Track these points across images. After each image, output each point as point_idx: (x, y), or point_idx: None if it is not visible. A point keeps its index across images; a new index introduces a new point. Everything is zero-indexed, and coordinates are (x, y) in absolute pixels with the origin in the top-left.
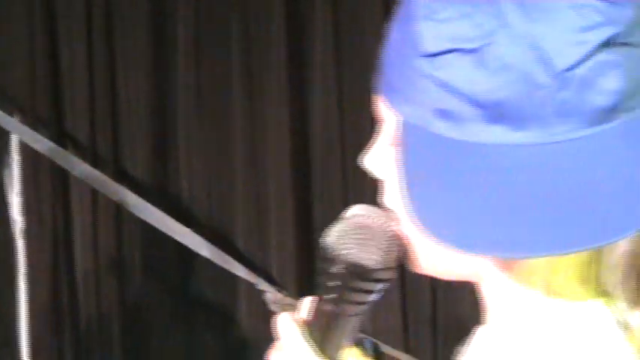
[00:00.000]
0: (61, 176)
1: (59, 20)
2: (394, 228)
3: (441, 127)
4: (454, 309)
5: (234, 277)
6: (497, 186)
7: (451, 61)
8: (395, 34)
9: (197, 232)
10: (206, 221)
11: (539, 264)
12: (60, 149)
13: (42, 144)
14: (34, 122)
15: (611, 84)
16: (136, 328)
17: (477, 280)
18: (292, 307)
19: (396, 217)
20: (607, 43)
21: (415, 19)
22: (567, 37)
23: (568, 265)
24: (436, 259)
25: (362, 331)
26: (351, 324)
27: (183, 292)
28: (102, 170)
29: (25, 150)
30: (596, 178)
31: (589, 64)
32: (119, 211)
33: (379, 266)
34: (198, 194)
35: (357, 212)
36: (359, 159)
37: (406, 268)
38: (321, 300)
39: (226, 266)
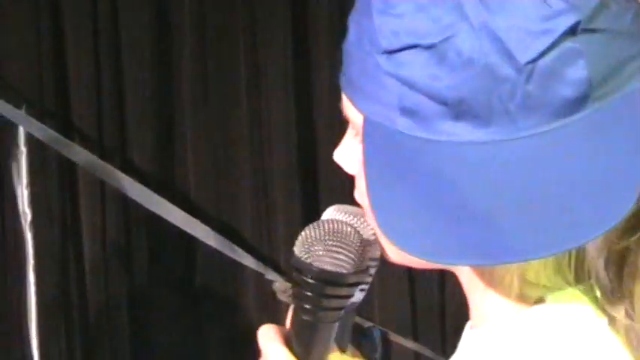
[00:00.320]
0: (69, 168)
1: (64, 11)
2: (370, 227)
3: (405, 125)
4: (463, 297)
5: (241, 267)
6: (464, 187)
7: (411, 58)
8: (353, 28)
9: (204, 222)
10: (213, 211)
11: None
12: (67, 141)
13: (49, 136)
14: (40, 114)
15: (577, 73)
16: (143, 320)
17: (455, 272)
18: None
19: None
20: (571, 31)
21: (372, 13)
22: (529, 27)
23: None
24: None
25: (370, 319)
26: (332, 330)
27: (190, 283)
28: (108, 161)
29: (33, 142)
30: (566, 172)
31: (553, 53)
32: (127, 202)
33: (352, 270)
34: (205, 184)
35: (329, 216)
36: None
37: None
38: (298, 310)
39: (234, 256)
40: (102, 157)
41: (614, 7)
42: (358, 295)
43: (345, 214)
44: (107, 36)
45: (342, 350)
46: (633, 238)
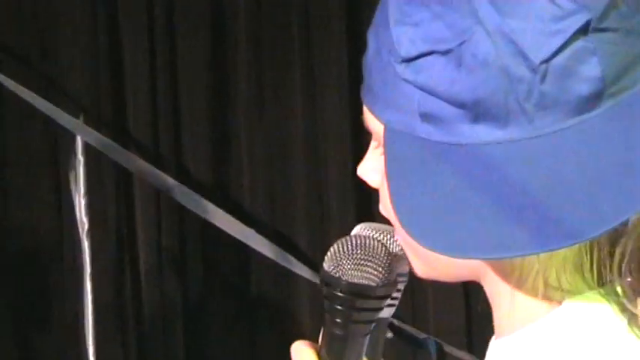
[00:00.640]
0: (126, 177)
1: (121, 22)
2: (397, 242)
3: (425, 131)
4: None
5: (295, 277)
6: (488, 186)
7: (429, 64)
8: (372, 41)
9: (259, 232)
10: (268, 220)
11: (534, 260)
12: (123, 149)
13: (106, 144)
14: (97, 123)
15: (591, 71)
16: (198, 327)
17: (480, 282)
18: None
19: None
20: (583, 30)
21: (389, 24)
22: (542, 27)
23: (565, 257)
24: (432, 264)
25: (425, 331)
26: (363, 344)
27: (244, 291)
28: (164, 170)
29: (90, 151)
30: (586, 166)
31: (567, 52)
32: (182, 211)
33: (380, 283)
34: (259, 193)
35: (357, 231)
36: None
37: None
38: (329, 324)
39: (288, 265)
40: (157, 165)
41: (623, 7)
42: (388, 311)
43: (373, 230)
44: (163, 45)
45: None
46: None
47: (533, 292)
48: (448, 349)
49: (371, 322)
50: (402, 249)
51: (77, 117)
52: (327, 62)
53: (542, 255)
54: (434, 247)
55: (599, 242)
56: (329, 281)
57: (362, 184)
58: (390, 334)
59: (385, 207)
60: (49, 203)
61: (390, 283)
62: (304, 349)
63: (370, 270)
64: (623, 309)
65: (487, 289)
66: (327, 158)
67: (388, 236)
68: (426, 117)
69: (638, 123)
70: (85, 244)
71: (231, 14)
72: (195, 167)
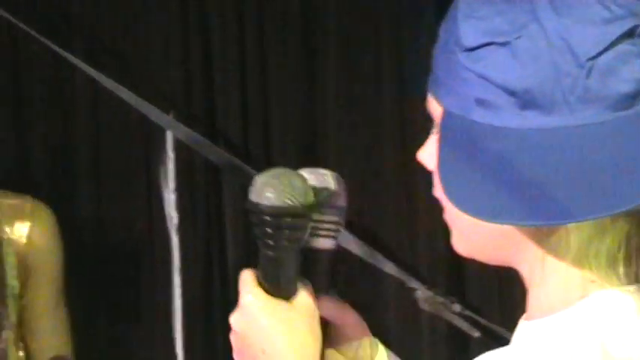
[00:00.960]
0: (215, 173)
1: (213, 20)
2: (321, 174)
3: (479, 115)
4: None
5: (382, 275)
6: (529, 164)
7: (487, 54)
8: (442, 34)
9: (346, 229)
10: (355, 218)
11: (569, 249)
12: (213, 145)
13: (196, 140)
14: (188, 119)
15: (633, 72)
16: None
17: (517, 266)
18: (444, 306)
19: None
20: (629, 34)
21: (458, 18)
22: (592, 28)
23: (598, 251)
24: (476, 242)
25: (492, 321)
26: (294, 264)
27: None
28: (253, 166)
29: (180, 147)
30: (617, 157)
31: (612, 53)
32: None
33: (299, 205)
34: (348, 193)
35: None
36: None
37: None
38: (262, 249)
39: (376, 263)
40: (247, 161)
41: None
42: (327, 242)
43: (305, 172)
44: (253, 41)
45: (323, 294)
46: None
47: (565, 281)
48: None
49: (298, 240)
50: (331, 185)
51: (167, 113)
52: (418, 67)
53: (576, 246)
54: (469, 211)
55: (633, 240)
56: (256, 209)
57: None
58: (477, 334)
59: (438, 188)
60: (140, 198)
61: (309, 207)
62: (246, 274)
63: (288, 192)
64: None
65: (524, 273)
66: (416, 158)
67: (316, 175)
68: (481, 102)
69: None
70: (175, 239)
71: (321, 11)
72: (284, 163)
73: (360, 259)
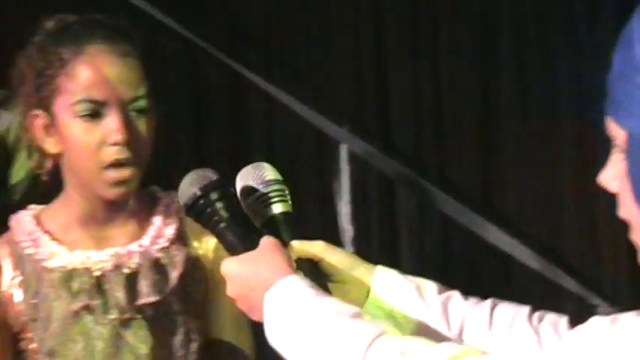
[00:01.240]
0: (389, 185)
1: (386, 33)
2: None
3: None
4: None
5: (560, 291)
6: None
7: None
8: (617, 60)
9: (524, 243)
10: (534, 231)
11: None
12: (387, 158)
13: (370, 153)
14: (362, 132)
15: None
16: None
17: None
18: None
19: None
20: None
21: (634, 42)
22: None
23: None
24: None
25: None
26: (241, 223)
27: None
28: (427, 179)
29: (355, 159)
30: None
31: None
32: (445, 221)
33: (211, 184)
34: (525, 205)
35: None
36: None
37: None
38: (216, 229)
39: (555, 278)
40: (421, 174)
41: None
42: (277, 207)
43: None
44: (427, 56)
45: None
46: None
47: None
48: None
49: (216, 213)
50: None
51: (342, 126)
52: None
53: None
54: None
55: None
56: (189, 202)
57: None
58: None
59: (626, 208)
60: (314, 211)
61: (221, 185)
62: (227, 259)
63: (205, 181)
64: None
65: None
66: (596, 170)
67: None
68: None
69: None
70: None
71: (496, 33)
72: (459, 177)
73: (540, 274)
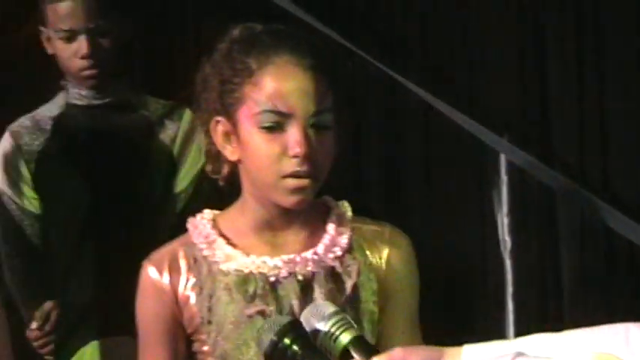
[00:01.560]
0: (549, 196)
1: (549, 43)
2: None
3: None
4: None
5: None
6: None
7: None
8: None
9: None
10: None
11: None
12: (547, 168)
13: (530, 163)
14: (522, 141)
15: None
16: None
17: None
18: None
19: None
20: None
21: None
22: None
23: None
24: None
25: None
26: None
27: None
28: (589, 190)
29: (514, 170)
30: None
31: None
32: (607, 232)
33: (285, 323)
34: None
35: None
36: None
37: None
38: None
39: None
40: (583, 185)
41: None
42: (344, 337)
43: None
44: (591, 66)
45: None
46: None
47: None
48: None
49: (308, 346)
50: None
51: (501, 135)
52: None
53: None
54: None
55: None
56: (274, 345)
57: None
58: None
59: None
60: (473, 220)
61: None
62: None
63: (276, 325)
64: None
65: None
66: None
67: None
68: None
69: None
70: (507, 263)
71: None
72: (623, 189)
73: None
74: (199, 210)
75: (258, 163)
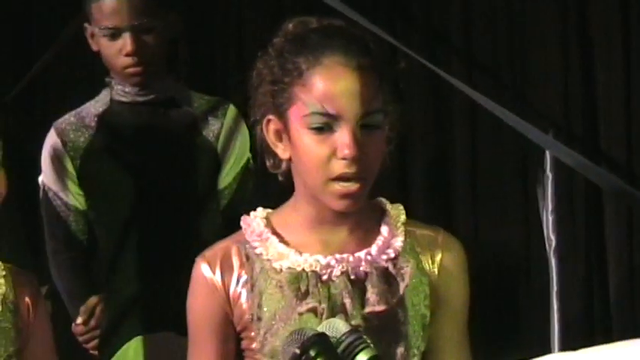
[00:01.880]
0: (596, 194)
1: (594, 38)
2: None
3: None
4: None
5: None
6: None
7: None
8: None
9: None
10: None
11: None
12: (594, 166)
13: (576, 160)
14: (568, 139)
15: None
16: None
17: None
18: None
19: None
20: None
21: None
22: None
23: None
24: None
25: None
26: None
27: None
28: (637, 188)
29: (560, 167)
30: None
31: None
32: None
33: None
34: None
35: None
36: None
37: None
38: None
39: None
40: (631, 183)
41: None
42: (363, 357)
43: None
44: (637, 58)
45: None
46: None
47: None
48: None
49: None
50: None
51: (547, 132)
52: None
53: None
54: None
55: None
56: (298, 357)
57: None
58: None
59: None
60: (517, 218)
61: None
62: None
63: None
64: None
65: None
66: None
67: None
68: None
69: None
70: (553, 262)
71: None
72: None
73: None
74: (243, 206)
75: (307, 164)
